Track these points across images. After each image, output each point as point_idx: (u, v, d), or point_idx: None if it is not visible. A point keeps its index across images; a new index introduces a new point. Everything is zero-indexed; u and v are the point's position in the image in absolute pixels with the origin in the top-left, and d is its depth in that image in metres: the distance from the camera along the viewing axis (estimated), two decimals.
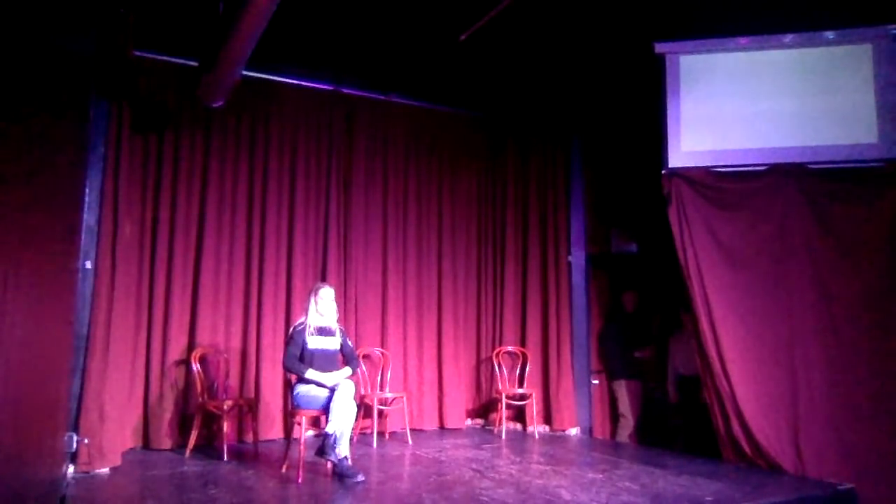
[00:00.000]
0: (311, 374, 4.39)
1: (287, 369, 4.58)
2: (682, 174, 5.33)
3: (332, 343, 4.62)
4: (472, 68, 6.04)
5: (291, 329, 4.71)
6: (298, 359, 4.48)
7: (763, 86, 5.30)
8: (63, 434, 3.96)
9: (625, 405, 6.17)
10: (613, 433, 6.30)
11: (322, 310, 4.62)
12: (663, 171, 5.39)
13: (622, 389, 6.21)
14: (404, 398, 5.86)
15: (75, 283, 4.12)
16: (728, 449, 4.95)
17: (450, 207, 6.79)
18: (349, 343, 4.77)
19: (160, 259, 5.36)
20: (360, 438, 5.52)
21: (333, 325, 4.69)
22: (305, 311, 4.67)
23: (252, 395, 5.49)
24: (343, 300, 5.98)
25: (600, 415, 6.42)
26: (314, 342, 4.53)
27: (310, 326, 4.56)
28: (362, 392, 5.76)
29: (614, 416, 6.35)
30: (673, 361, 5.94)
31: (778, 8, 5.03)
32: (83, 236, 4.31)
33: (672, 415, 5.95)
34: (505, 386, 6.32)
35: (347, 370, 4.55)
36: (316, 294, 4.64)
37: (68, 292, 3.76)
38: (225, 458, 4.80)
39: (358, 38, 5.53)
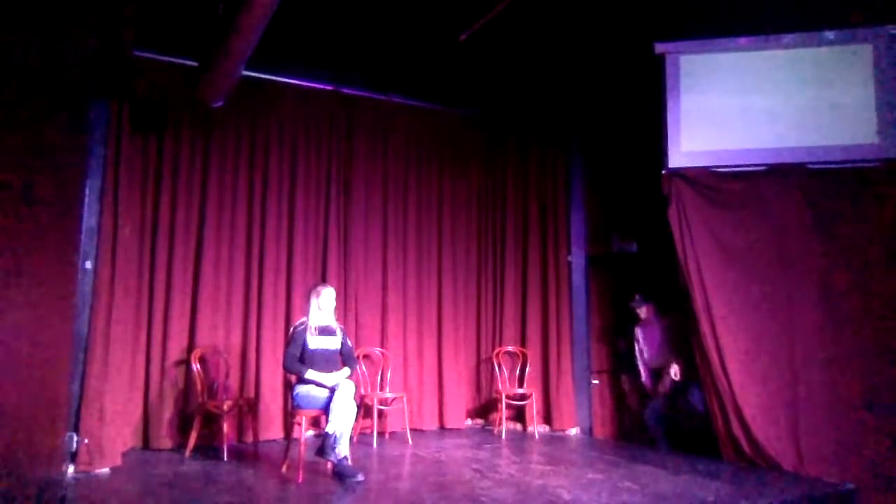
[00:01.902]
0: (310, 374, 4.39)
1: (287, 370, 4.58)
2: (682, 174, 5.33)
3: (333, 343, 4.62)
4: (472, 68, 6.04)
5: (292, 329, 4.71)
6: (299, 359, 4.48)
7: (763, 86, 5.30)
8: (63, 434, 3.96)
9: (630, 397, 6.25)
10: (620, 429, 6.32)
11: (324, 310, 4.63)
12: (663, 171, 5.39)
13: (627, 384, 6.27)
14: (404, 398, 5.86)
15: (75, 283, 4.12)
16: (728, 449, 4.96)
17: (450, 207, 6.79)
18: (348, 342, 4.77)
19: (160, 259, 5.35)
20: (360, 438, 5.52)
21: (334, 324, 4.69)
22: (306, 311, 4.67)
23: (252, 395, 5.49)
24: (343, 300, 5.98)
25: (600, 415, 6.41)
26: (315, 342, 4.53)
27: (311, 327, 4.56)
28: (362, 392, 5.75)
29: (621, 411, 6.36)
30: (642, 355, 5.94)
31: (778, 8, 5.04)
32: (83, 236, 4.31)
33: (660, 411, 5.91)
34: (505, 386, 6.32)
35: (346, 370, 4.55)
36: (318, 295, 4.64)
37: (68, 292, 3.76)
38: (225, 458, 4.80)
39: (358, 38, 5.53)
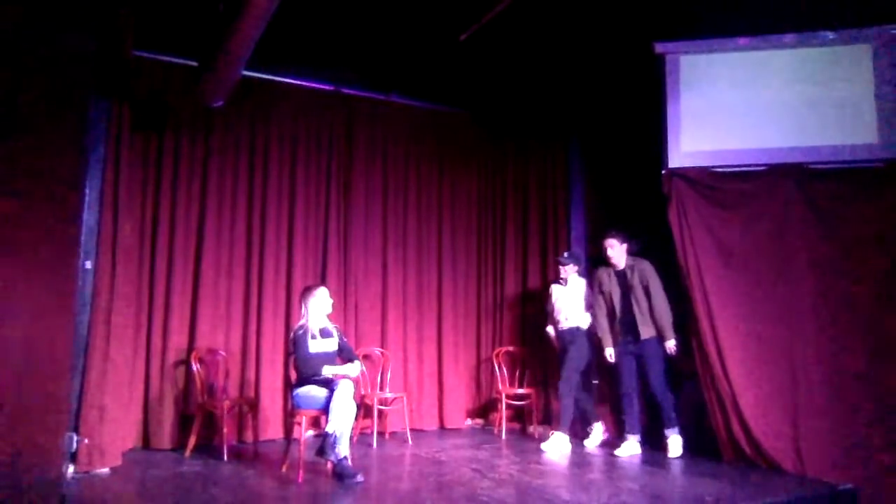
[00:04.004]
0: (327, 370, 4.41)
1: (301, 374, 4.51)
2: (682, 174, 5.33)
3: (332, 345, 4.61)
4: (473, 68, 6.04)
5: (292, 334, 4.65)
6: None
7: (763, 86, 5.30)
8: (63, 434, 3.95)
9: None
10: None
11: (321, 311, 4.62)
12: (663, 171, 5.39)
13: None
14: (404, 398, 5.86)
15: (75, 283, 4.12)
16: (728, 449, 4.96)
17: (450, 207, 6.79)
18: (345, 340, 4.76)
19: (160, 259, 5.35)
20: (360, 438, 5.52)
21: (330, 325, 4.68)
22: (305, 314, 4.62)
23: (252, 395, 5.49)
24: (343, 300, 5.99)
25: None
26: (316, 346, 4.51)
27: (311, 331, 4.54)
28: (362, 392, 5.76)
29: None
30: (553, 314, 5.85)
31: (778, 8, 5.03)
32: (83, 236, 4.31)
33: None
34: (505, 386, 6.32)
35: (357, 364, 4.60)
36: (313, 296, 4.61)
37: (68, 292, 3.76)
38: (225, 458, 4.80)
39: (358, 38, 5.53)
